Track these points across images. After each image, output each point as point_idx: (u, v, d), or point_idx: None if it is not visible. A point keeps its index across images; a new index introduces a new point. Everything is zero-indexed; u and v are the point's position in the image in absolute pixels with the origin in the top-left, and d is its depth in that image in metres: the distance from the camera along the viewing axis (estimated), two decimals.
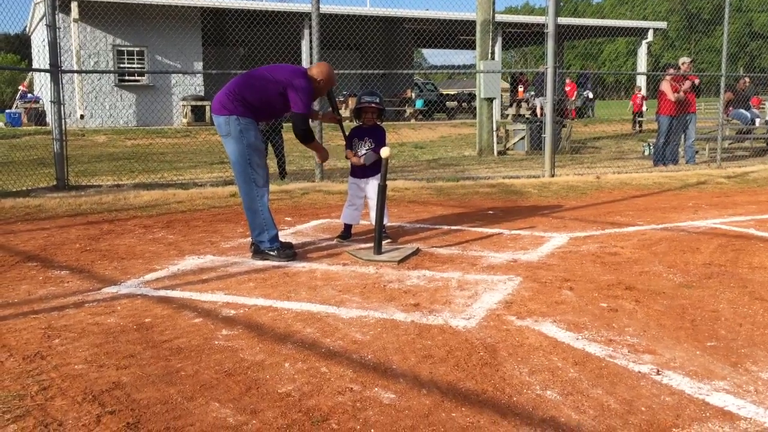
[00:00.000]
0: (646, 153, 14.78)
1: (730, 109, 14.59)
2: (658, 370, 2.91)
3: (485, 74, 14.10)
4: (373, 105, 5.55)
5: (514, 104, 23.25)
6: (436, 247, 5.44)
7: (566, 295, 4.07)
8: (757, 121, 15.54)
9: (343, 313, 3.74)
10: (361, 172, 5.59)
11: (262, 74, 5.04)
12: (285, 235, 5.91)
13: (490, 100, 14.59)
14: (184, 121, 20.56)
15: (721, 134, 11.56)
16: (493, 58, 15.04)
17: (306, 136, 5.11)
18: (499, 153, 14.76)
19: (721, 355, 3.09)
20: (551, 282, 4.35)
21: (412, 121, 22.51)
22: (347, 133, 5.67)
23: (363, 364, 3.02)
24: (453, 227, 6.29)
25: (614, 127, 21.36)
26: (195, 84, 21.66)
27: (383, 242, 5.18)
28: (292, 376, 2.89)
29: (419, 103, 22.21)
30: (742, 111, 15.18)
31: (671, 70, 12.48)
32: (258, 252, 5.02)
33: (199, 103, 20.57)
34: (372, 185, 5.41)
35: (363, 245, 5.38)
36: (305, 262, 4.93)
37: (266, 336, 3.39)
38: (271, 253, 4.96)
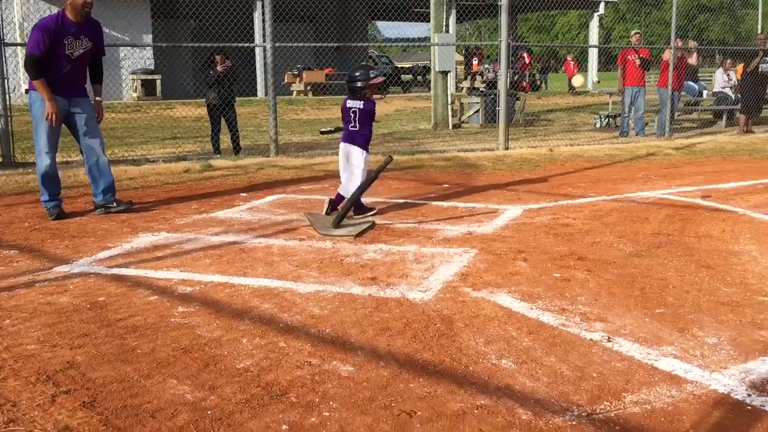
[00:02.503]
0: (598, 125, 15.02)
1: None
2: (609, 337, 3.00)
3: (440, 47, 14.07)
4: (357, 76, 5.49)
5: (469, 77, 23.29)
6: (392, 221, 5.46)
7: (520, 266, 4.14)
8: (705, 92, 15.92)
9: (300, 288, 3.74)
10: (344, 135, 5.58)
11: None
12: (240, 211, 5.88)
13: (445, 73, 14.58)
14: (134, 95, 20.09)
15: (668, 107, 11.79)
16: (447, 31, 15.04)
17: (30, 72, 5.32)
18: (454, 126, 14.80)
19: (669, 322, 3.19)
20: (506, 254, 4.42)
21: None
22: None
23: (321, 338, 3.03)
24: (409, 201, 6.31)
25: (567, 100, 21.61)
26: (145, 57, 21.13)
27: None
28: (250, 352, 2.89)
29: None
30: (691, 83, 15.50)
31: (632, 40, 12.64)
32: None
33: (150, 77, 20.10)
34: (349, 150, 5.51)
35: (320, 217, 5.36)
36: (261, 238, 4.90)
37: (223, 312, 3.37)
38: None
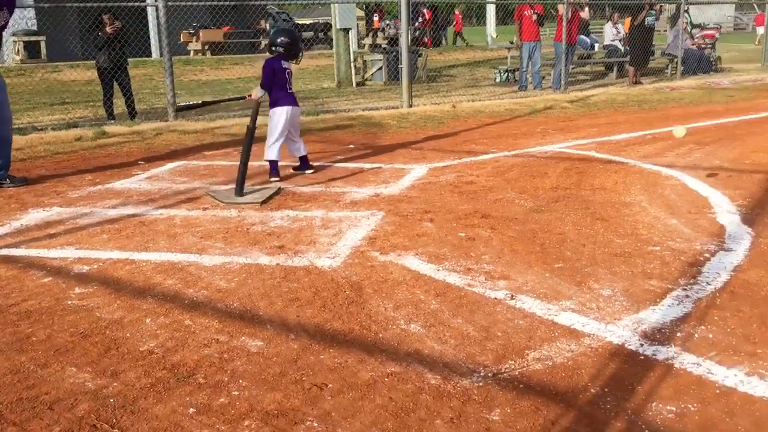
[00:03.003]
0: (498, 80, 15.28)
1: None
2: (512, 295, 3.09)
3: (340, 5, 13.85)
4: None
5: (371, 34, 23.15)
6: (298, 185, 5.39)
7: (427, 227, 4.19)
8: (596, 46, 16.45)
9: (205, 261, 3.65)
10: (289, 99, 5.54)
11: None
12: (139, 180, 5.66)
13: (347, 30, 14.40)
14: (17, 58, 18.80)
15: (563, 61, 12.12)
16: None
17: None
18: (358, 84, 14.70)
19: (568, 276, 3.32)
20: (412, 215, 4.46)
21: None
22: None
23: (228, 313, 2.98)
24: (315, 164, 6.24)
25: (467, 55, 21.83)
26: (26, 18, 19.76)
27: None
28: (155, 332, 2.81)
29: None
30: (583, 37, 15.96)
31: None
32: None
33: (33, 38, 18.83)
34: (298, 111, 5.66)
35: (223, 187, 5.24)
36: (163, 209, 4.73)
37: (124, 291, 3.25)
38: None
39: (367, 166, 6.09)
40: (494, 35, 25.45)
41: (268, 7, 25.72)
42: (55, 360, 2.57)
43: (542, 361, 2.47)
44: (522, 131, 7.96)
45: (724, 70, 17.35)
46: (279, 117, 5.46)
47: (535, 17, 12.52)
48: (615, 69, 15.70)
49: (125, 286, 3.32)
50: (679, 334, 2.65)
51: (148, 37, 19.22)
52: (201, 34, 20.26)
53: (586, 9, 12.92)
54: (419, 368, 2.45)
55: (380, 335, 2.73)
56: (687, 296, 3.02)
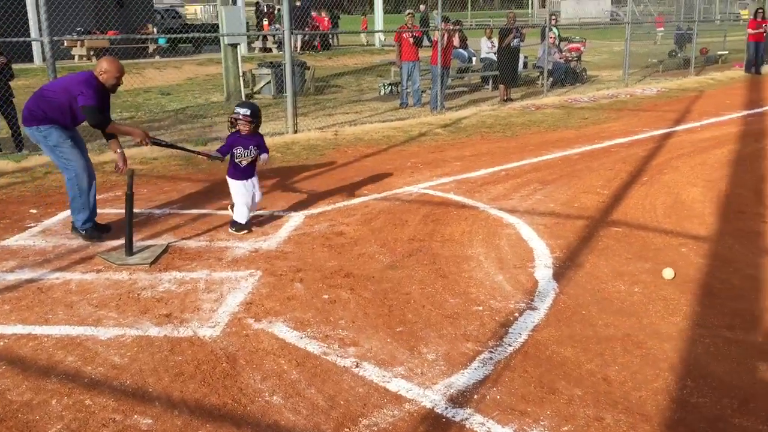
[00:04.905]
0: (382, 93, 16.15)
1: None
2: (358, 363, 3.87)
3: (227, 17, 14.19)
4: (241, 117, 6.00)
5: (260, 38, 23.48)
6: (185, 238, 5.98)
7: (297, 288, 4.92)
8: (474, 59, 17.60)
9: (101, 334, 4.22)
10: (242, 174, 6.07)
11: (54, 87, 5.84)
12: (32, 235, 6.06)
13: (235, 45, 14.81)
14: None
15: (439, 83, 13.10)
16: (234, 3, 15.15)
17: (100, 125, 5.76)
18: (248, 97, 15.16)
19: (404, 341, 4.14)
20: (285, 274, 5.17)
21: (157, 57, 21.81)
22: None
23: (123, 391, 3.60)
24: (201, 211, 6.83)
25: (355, 60, 22.60)
26: None
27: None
28: (60, 414, 3.39)
29: (162, 41, 21.52)
30: (461, 50, 17.06)
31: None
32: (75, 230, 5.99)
33: None
34: (253, 182, 6.15)
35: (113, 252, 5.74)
36: (59, 272, 5.22)
37: (30, 371, 3.79)
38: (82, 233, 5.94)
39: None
40: (383, 38, 26.34)
41: (155, 4, 25.40)
42: None
43: (370, 427, 3.26)
44: (395, 165, 8.79)
45: (590, 79, 18.97)
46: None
47: (412, 40, 13.43)
48: (491, 81, 16.93)
49: (31, 365, 3.86)
50: (475, 396, 3.52)
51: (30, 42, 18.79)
52: (86, 42, 19.94)
53: (457, 35, 13.93)
54: None
55: (248, 408, 3.44)
56: (491, 358, 3.91)
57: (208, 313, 4.51)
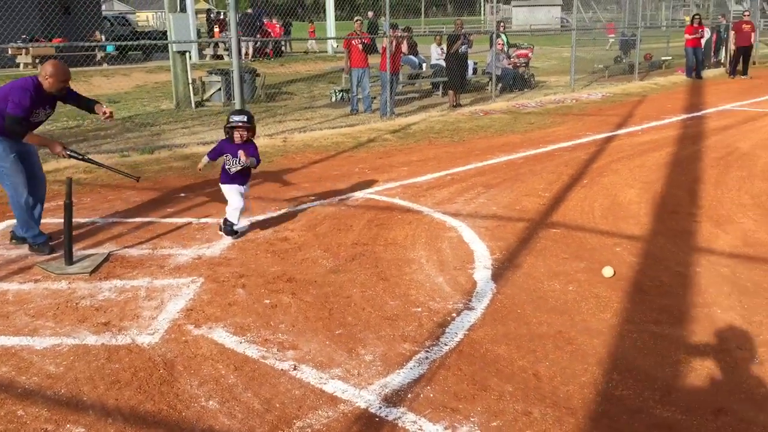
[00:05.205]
0: (334, 99, 16.21)
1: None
2: (296, 366, 3.92)
3: (176, 27, 14.12)
4: (240, 124, 5.94)
5: (212, 45, 23.35)
6: (127, 247, 5.94)
7: (239, 294, 4.94)
8: (424, 65, 17.80)
9: (37, 344, 4.19)
10: (232, 180, 6.07)
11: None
12: None
13: (183, 53, 14.72)
14: None
15: (389, 89, 13.22)
16: (184, 10, 15.06)
17: (17, 135, 5.55)
18: (197, 105, 15.07)
19: (343, 343, 4.20)
20: (228, 280, 5.19)
21: (105, 65, 21.48)
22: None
23: (57, 401, 3.58)
24: (145, 219, 6.78)
25: (307, 67, 22.63)
26: None
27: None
28: None
29: (110, 48, 21.22)
30: (411, 57, 17.26)
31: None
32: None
33: None
34: (244, 188, 6.15)
35: (55, 255, 5.68)
36: None
37: None
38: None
39: (195, 220, 6.71)
40: (335, 45, 26.43)
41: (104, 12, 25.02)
42: None
43: (304, 429, 3.31)
44: (342, 171, 8.86)
45: (538, 85, 19.34)
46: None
47: (361, 47, 13.54)
48: (441, 87, 17.13)
49: None
50: (409, 395, 3.60)
51: None
52: (31, 50, 19.55)
53: (405, 42, 14.09)
54: None
55: (183, 414, 3.46)
56: (426, 358, 3.99)
57: (148, 321, 4.50)
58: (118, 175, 6.41)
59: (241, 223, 6.30)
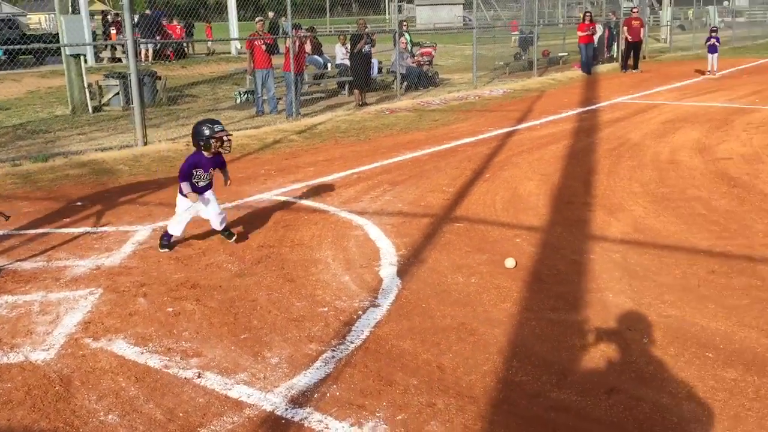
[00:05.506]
0: (238, 101, 15.98)
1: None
2: (200, 373, 3.86)
3: (68, 29, 13.54)
4: (224, 131, 5.72)
5: (109, 47, 22.57)
6: (20, 260, 5.67)
7: (140, 303, 4.81)
8: (329, 65, 17.81)
9: None
10: (204, 188, 5.84)
11: None
12: None
13: (78, 56, 14.15)
14: None
15: (294, 90, 13.16)
16: (76, 12, 14.48)
17: None
18: (95, 109, 14.53)
19: (249, 347, 4.16)
20: (128, 290, 5.04)
21: None
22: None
23: None
24: (40, 231, 6.49)
25: (211, 69, 22.20)
26: None
27: None
28: None
29: None
30: (316, 57, 17.23)
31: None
32: None
33: None
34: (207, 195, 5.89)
35: None
36: None
37: None
38: None
39: (92, 230, 6.48)
40: (239, 46, 26.05)
41: None
42: None
43: None
44: (248, 174, 8.75)
45: (442, 82, 19.69)
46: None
47: (264, 47, 13.40)
48: (347, 86, 17.18)
49: None
50: (316, 395, 3.61)
51: None
52: None
53: (309, 42, 14.07)
54: None
55: (81, 430, 3.34)
56: (333, 357, 4.01)
57: (42, 336, 4.32)
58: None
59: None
